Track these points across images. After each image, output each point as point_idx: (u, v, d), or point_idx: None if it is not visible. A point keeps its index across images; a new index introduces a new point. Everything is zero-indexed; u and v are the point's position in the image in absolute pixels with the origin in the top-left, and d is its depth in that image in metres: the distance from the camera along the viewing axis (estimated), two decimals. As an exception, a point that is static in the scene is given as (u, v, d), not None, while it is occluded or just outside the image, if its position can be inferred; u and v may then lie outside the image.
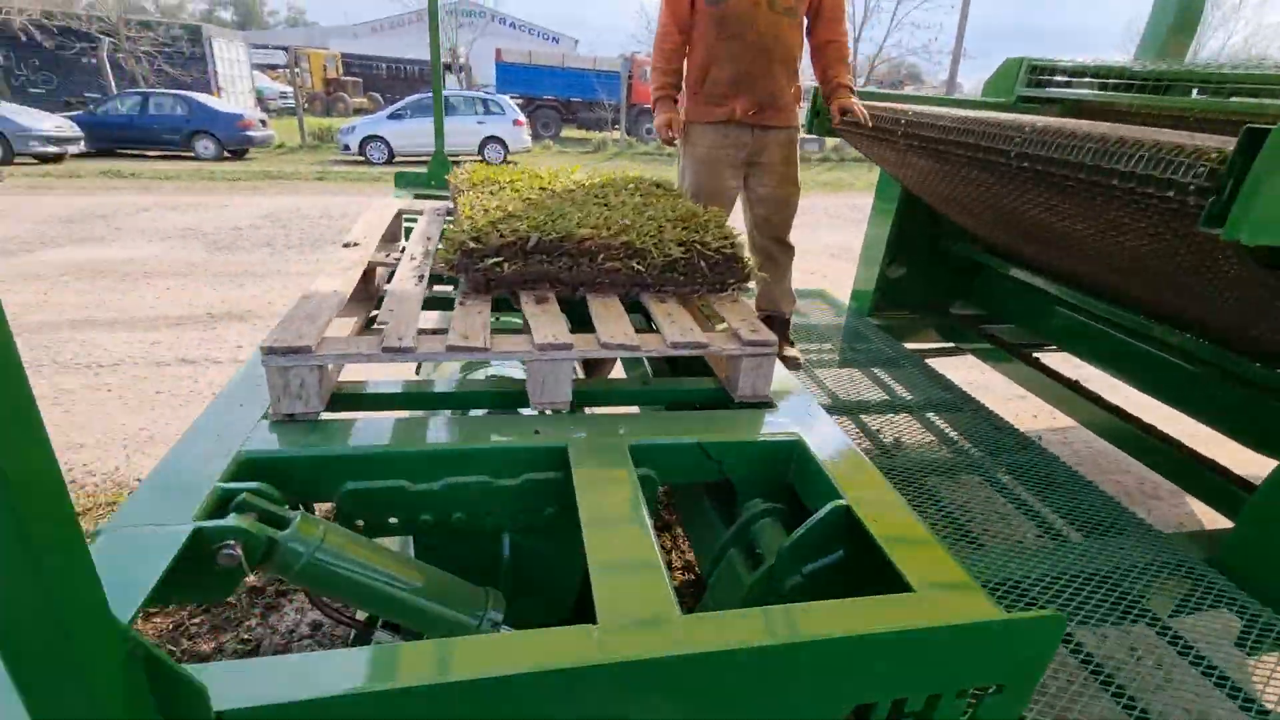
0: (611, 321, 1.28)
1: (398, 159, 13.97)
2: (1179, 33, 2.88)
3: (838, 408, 2.31)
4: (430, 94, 14.83)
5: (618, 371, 2.33)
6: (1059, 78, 2.77)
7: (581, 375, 2.14)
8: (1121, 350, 2.43)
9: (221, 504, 0.91)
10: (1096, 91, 2.67)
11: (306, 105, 25.25)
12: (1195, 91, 2.62)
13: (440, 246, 1.45)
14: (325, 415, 1.16)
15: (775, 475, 1.22)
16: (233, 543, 0.83)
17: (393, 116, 14.03)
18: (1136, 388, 2.43)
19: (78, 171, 10.31)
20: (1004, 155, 1.78)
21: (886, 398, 2.45)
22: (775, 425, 1.24)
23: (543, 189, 1.84)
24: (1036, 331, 2.92)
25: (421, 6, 28.44)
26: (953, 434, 2.25)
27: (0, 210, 7.61)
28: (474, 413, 1.34)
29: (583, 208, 1.64)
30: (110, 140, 12.98)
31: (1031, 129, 1.71)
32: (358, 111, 23.50)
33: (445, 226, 1.53)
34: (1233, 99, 2.38)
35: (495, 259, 1.35)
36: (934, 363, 3.76)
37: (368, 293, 1.60)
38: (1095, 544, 1.73)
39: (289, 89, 25.09)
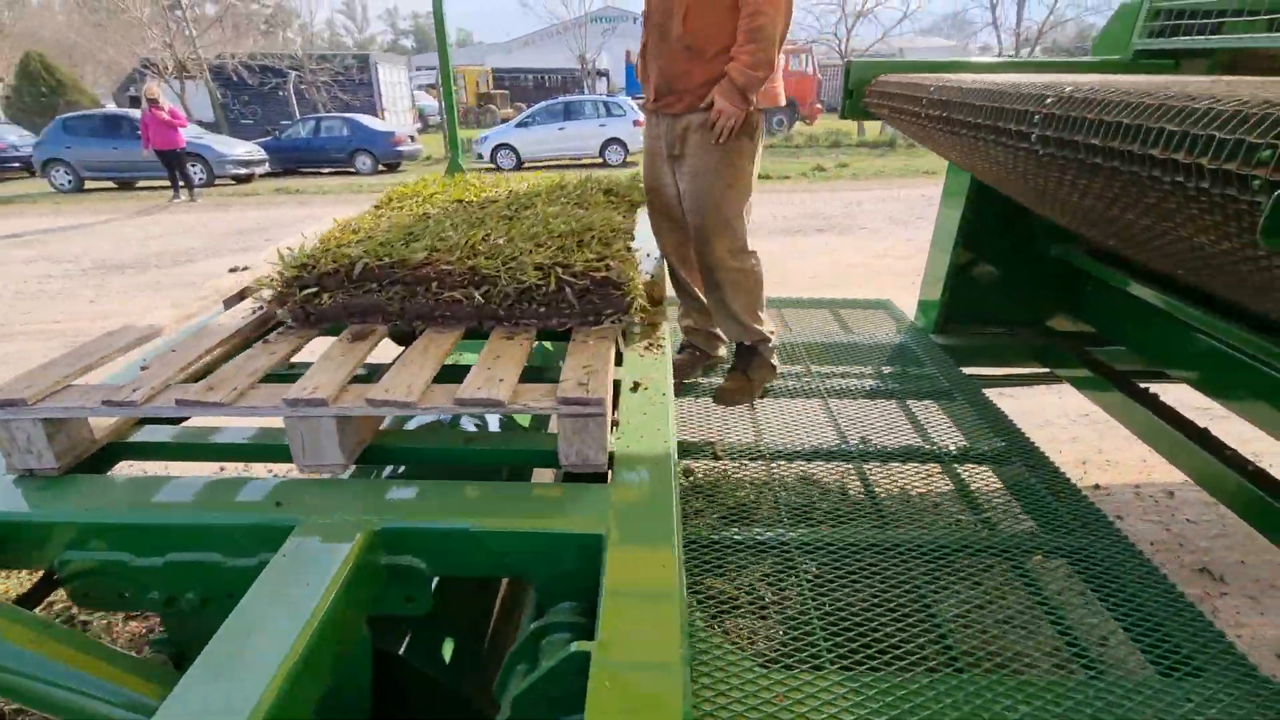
0: (412, 367, 1.07)
1: (526, 164, 14.61)
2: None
3: (837, 454, 1.89)
4: (557, 100, 15.32)
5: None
6: (1195, 21, 2.06)
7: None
8: (1263, 389, 1.74)
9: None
10: (1241, 36, 1.95)
11: (461, 118, 27.40)
12: None
13: (255, 279, 1.32)
14: (116, 470, 1.08)
15: (584, 579, 0.94)
16: None
17: (520, 125, 14.70)
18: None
19: (257, 190, 11.96)
20: (1026, 135, 1.30)
21: (913, 442, 1.97)
22: (585, 510, 0.95)
23: (460, 202, 1.66)
24: (1152, 357, 2.23)
25: (572, 17, 29.70)
26: (986, 498, 1.74)
27: (190, 225, 8.97)
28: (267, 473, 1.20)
29: (478, 225, 1.44)
30: (291, 161, 14.92)
31: (1059, 94, 1.22)
32: (504, 121, 25.05)
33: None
34: None
35: (314, 289, 1.19)
36: (1029, 393, 3.08)
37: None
38: (1152, 685, 1.21)
39: (446, 105, 27.35)
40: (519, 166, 14.60)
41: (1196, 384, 2.02)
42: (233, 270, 1.54)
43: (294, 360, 1.23)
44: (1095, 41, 2.41)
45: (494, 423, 1.61)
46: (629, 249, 1.42)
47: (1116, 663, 1.30)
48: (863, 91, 2.26)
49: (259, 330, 1.26)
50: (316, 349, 1.25)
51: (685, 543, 1.55)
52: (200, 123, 18.62)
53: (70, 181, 12.73)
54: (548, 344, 2.23)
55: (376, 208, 1.65)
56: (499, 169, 14.48)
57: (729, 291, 1.77)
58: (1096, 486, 2.71)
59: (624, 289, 1.21)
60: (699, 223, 1.72)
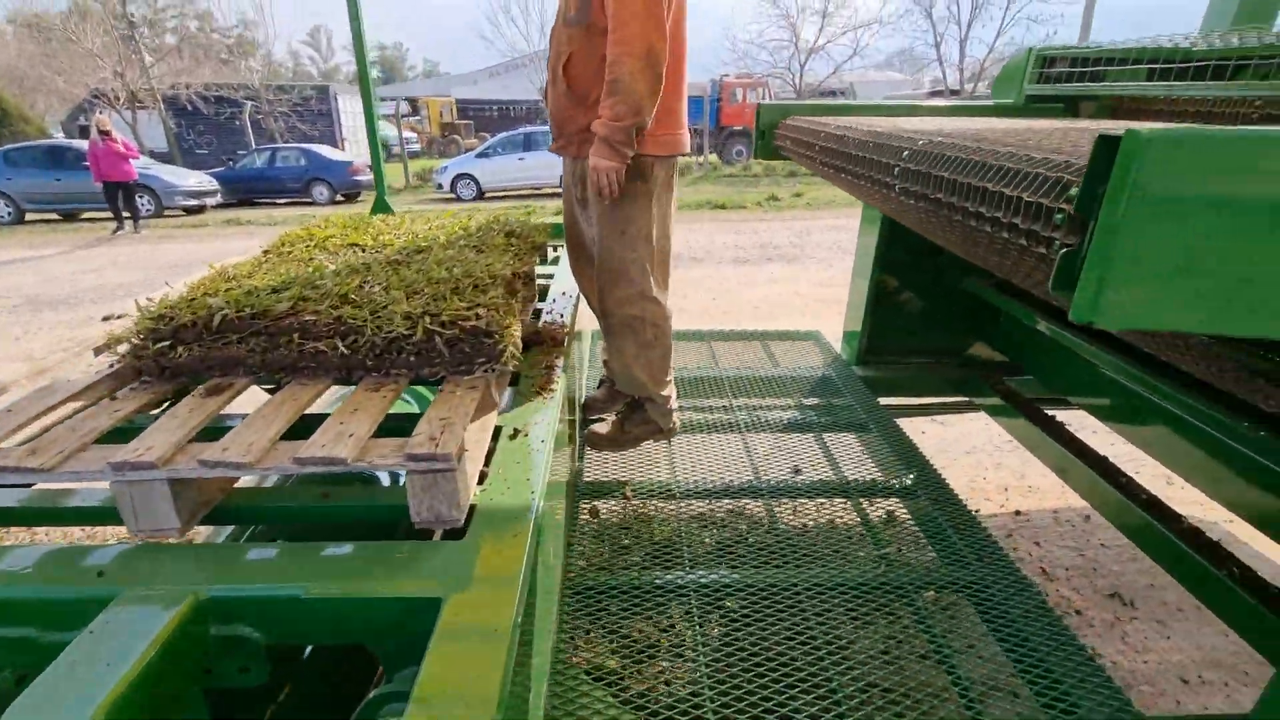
0: (260, 423, 1.03)
1: (488, 194, 14.64)
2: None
3: (748, 491, 1.89)
4: (518, 131, 15.37)
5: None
6: (1075, 69, 2.18)
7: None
8: (1144, 413, 1.81)
9: None
10: (1113, 84, 2.07)
11: (424, 148, 27.49)
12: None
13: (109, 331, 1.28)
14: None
15: (427, 644, 0.91)
16: None
17: (481, 155, 14.75)
18: (1173, 469, 1.79)
19: (206, 221, 11.71)
20: (891, 169, 1.34)
21: (823, 477, 1.98)
22: (429, 571, 0.93)
23: (353, 246, 1.64)
24: (1053, 386, 2.30)
25: (532, 51, 30.14)
26: (889, 534, 1.75)
27: (131, 259, 8.72)
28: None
29: (361, 271, 1.42)
30: (246, 191, 14.69)
31: (921, 143, 1.26)
32: (468, 151, 25.11)
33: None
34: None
35: (168, 342, 1.15)
36: (958, 421, 3.14)
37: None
38: (1027, 723, 1.22)
39: (411, 134, 27.43)
40: (480, 196, 14.62)
41: (1092, 411, 2.09)
42: (106, 318, 1.48)
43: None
44: (994, 85, 2.53)
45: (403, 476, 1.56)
46: (513, 295, 1.41)
47: (1001, 698, 1.31)
48: (773, 133, 2.33)
49: (116, 386, 1.22)
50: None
51: (581, 589, 1.52)
52: (153, 153, 18.26)
53: (10, 214, 12.31)
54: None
55: (265, 253, 1.62)
56: (459, 199, 14.47)
57: (619, 339, 1.77)
58: (1018, 512, 2.77)
59: (495, 337, 1.20)
60: (597, 267, 1.73)
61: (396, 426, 1.14)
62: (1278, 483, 1.45)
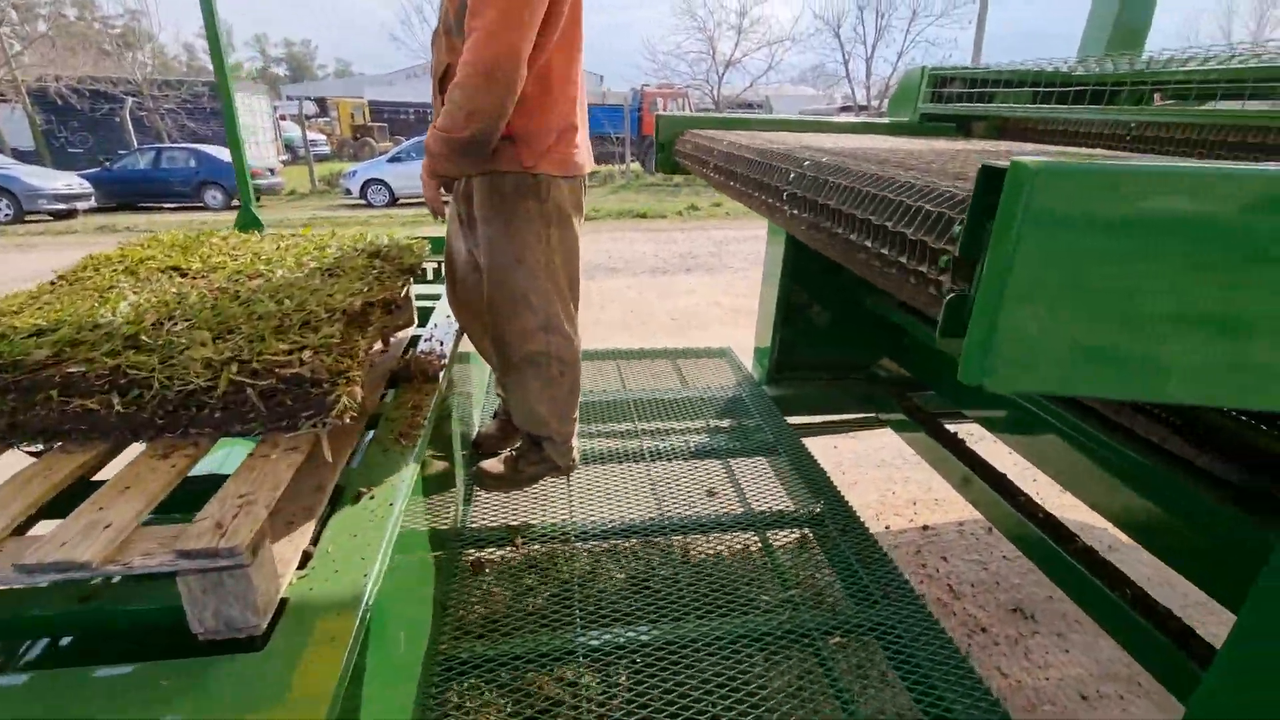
0: (-13, 513, 0.80)
1: (401, 200, 14.02)
2: (1130, 23, 2.27)
3: (654, 529, 1.75)
4: (432, 136, 14.94)
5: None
6: (965, 89, 2.20)
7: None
8: (1032, 427, 1.81)
9: None
10: (1000, 105, 2.09)
11: (334, 150, 26.15)
12: (1159, 97, 2.01)
13: None
14: None
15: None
16: None
17: (393, 159, 14.12)
18: (1060, 481, 1.80)
19: (75, 228, 10.58)
20: (780, 198, 1.25)
21: (728, 510, 1.87)
22: (202, 705, 0.72)
23: (174, 271, 1.39)
24: (949, 400, 2.31)
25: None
26: (795, 570, 1.66)
27: (-21, 270, 7.72)
28: None
29: (171, 304, 1.18)
30: (127, 194, 13.41)
31: (810, 164, 1.17)
32: (381, 154, 24.02)
33: None
34: (1224, 104, 1.76)
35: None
36: (869, 435, 3.13)
37: None
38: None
39: (319, 136, 26.02)
40: (393, 203, 13.99)
41: (986, 425, 2.09)
42: None
43: None
44: (890, 103, 2.53)
45: None
46: (363, 329, 1.22)
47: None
48: (673, 145, 2.23)
49: None
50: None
51: (453, 662, 1.34)
52: (16, 151, 16.39)
53: None
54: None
55: (58, 278, 1.35)
56: (370, 205, 13.79)
57: (521, 376, 1.60)
58: (925, 527, 2.78)
59: (324, 386, 1.01)
60: (490, 297, 1.55)
61: (208, 493, 0.92)
62: (1150, 496, 1.46)
